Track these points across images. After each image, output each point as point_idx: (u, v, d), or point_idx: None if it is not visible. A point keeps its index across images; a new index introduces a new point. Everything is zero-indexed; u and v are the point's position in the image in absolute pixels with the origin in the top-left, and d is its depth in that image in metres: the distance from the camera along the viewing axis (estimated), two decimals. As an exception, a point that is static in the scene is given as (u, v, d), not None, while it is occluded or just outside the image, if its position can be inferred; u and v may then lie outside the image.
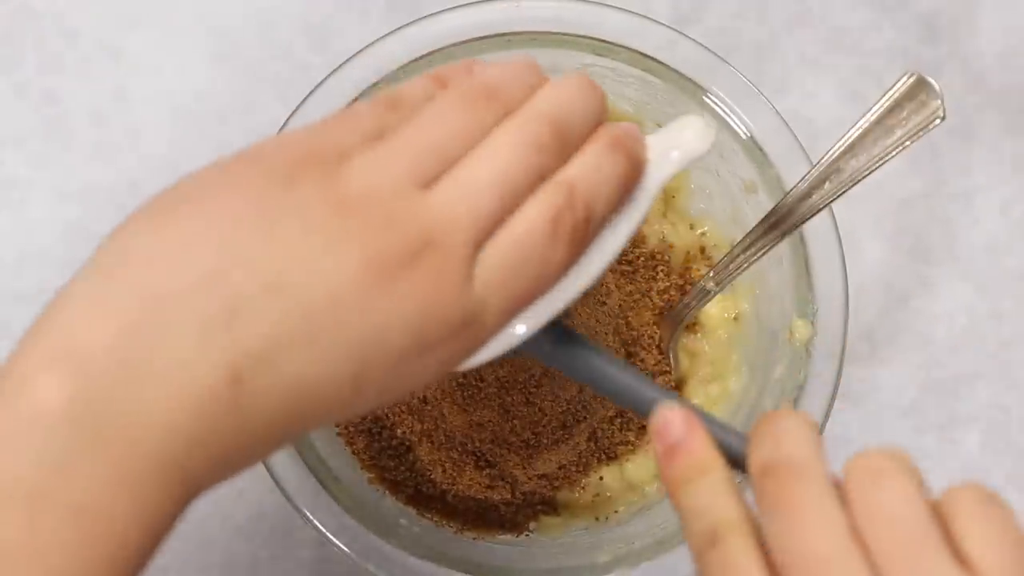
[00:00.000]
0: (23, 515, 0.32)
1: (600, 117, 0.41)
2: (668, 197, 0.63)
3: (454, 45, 0.57)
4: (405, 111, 0.39)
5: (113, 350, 0.33)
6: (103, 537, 0.33)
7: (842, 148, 0.52)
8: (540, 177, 0.38)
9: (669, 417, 0.40)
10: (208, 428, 0.34)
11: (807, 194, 0.53)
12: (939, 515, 0.36)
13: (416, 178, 0.37)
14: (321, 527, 0.55)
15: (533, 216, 0.38)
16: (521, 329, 0.39)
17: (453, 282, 0.36)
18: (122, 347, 0.33)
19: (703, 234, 0.63)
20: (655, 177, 0.41)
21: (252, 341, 0.34)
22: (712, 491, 0.39)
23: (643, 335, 0.62)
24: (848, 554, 0.35)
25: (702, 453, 0.39)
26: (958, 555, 0.35)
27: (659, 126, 0.61)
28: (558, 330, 0.42)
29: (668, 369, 0.62)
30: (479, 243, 0.37)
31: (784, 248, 0.56)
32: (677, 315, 0.61)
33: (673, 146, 0.42)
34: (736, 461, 0.40)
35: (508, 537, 0.61)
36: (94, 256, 0.35)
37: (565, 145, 0.39)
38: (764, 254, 0.56)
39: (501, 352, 0.39)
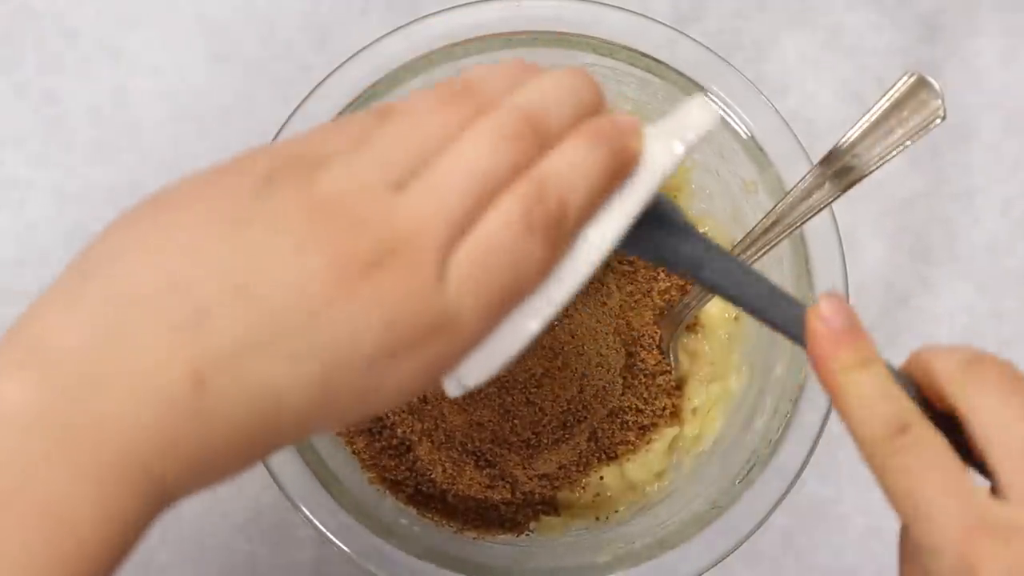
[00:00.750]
0: None
1: (590, 109, 0.39)
2: (669, 197, 0.63)
3: (454, 45, 0.57)
4: (394, 118, 0.38)
5: (81, 351, 0.34)
6: (64, 538, 0.33)
7: (842, 148, 0.52)
8: (515, 171, 0.37)
9: (834, 306, 0.40)
10: (173, 430, 0.34)
11: (807, 194, 0.53)
12: None
13: (388, 180, 0.36)
14: (321, 527, 0.55)
15: (504, 212, 0.37)
16: (500, 358, 0.38)
17: (422, 283, 0.36)
18: (89, 349, 0.34)
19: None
20: (660, 162, 0.40)
21: (216, 343, 0.34)
22: (884, 381, 0.39)
23: (644, 335, 0.62)
24: None
25: (868, 343, 0.39)
26: None
27: (659, 126, 0.61)
28: (696, 238, 0.42)
29: (668, 369, 0.62)
30: (451, 242, 0.36)
31: (784, 248, 0.56)
32: (677, 315, 0.61)
33: (677, 129, 0.40)
34: None
35: (508, 537, 0.61)
36: (73, 261, 0.36)
37: (542, 137, 0.38)
38: (764, 254, 0.56)
39: (501, 364, 0.38)
